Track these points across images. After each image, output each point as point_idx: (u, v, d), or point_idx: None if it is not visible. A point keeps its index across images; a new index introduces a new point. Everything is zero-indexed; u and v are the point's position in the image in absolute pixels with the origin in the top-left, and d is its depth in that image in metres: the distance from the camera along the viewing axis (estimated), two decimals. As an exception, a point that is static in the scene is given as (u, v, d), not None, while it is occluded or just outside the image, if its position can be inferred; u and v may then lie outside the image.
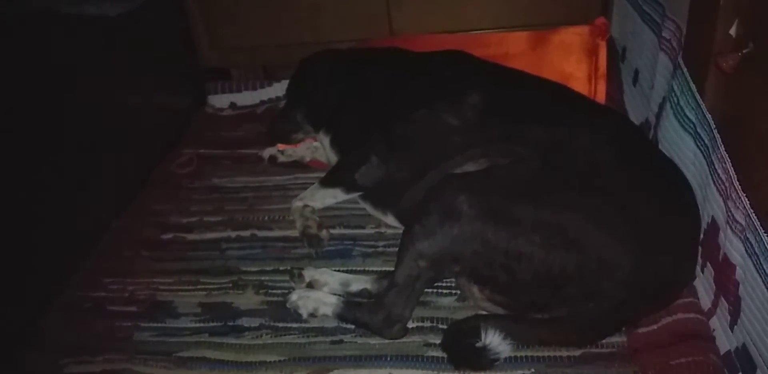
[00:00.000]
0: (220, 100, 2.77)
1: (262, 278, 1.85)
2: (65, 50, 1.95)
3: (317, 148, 2.31)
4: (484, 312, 1.62)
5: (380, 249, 1.92)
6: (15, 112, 1.72)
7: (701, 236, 1.56)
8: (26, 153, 1.77)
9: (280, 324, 1.70)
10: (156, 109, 2.54)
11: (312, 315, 1.69)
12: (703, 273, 1.57)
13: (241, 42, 2.76)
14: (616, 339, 1.56)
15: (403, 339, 1.61)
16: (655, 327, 1.54)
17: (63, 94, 1.92)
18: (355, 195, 2.02)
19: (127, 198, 2.22)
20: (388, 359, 1.57)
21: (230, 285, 1.84)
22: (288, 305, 1.71)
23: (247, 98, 2.76)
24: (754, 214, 1.28)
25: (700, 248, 1.56)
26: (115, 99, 2.23)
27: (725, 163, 1.40)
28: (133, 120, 2.32)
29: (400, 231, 1.67)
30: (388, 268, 1.76)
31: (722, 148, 1.42)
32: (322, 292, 1.73)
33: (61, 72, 1.92)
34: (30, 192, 1.77)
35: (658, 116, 1.90)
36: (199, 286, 1.84)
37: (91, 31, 2.08)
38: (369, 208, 2.01)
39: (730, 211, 1.38)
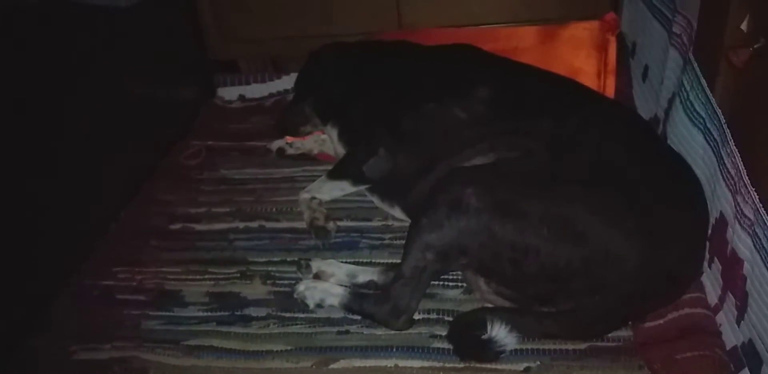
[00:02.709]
0: (229, 92, 2.77)
1: (270, 269, 1.86)
2: (75, 41, 1.96)
3: (325, 140, 2.32)
4: (490, 305, 1.63)
5: (387, 241, 1.93)
6: (23, 102, 1.73)
7: (709, 231, 1.56)
8: (35, 143, 1.77)
9: (287, 314, 1.71)
10: (165, 101, 2.55)
11: (319, 305, 1.70)
12: (710, 268, 1.57)
13: (250, 34, 2.76)
14: (622, 333, 1.57)
15: (409, 331, 1.61)
16: (661, 321, 1.54)
17: (72, 84, 1.93)
18: (362, 187, 2.03)
19: (136, 188, 2.23)
20: (394, 350, 1.58)
21: (238, 275, 1.85)
22: (295, 295, 1.72)
23: (255, 90, 2.77)
24: (763, 209, 1.28)
25: (707, 243, 1.56)
26: (125, 90, 2.24)
27: (734, 158, 1.40)
28: (142, 111, 2.32)
29: (407, 224, 1.68)
30: (394, 260, 1.76)
31: (732, 143, 1.42)
32: (329, 283, 1.74)
33: (70, 62, 1.93)
34: (39, 182, 1.78)
35: (668, 112, 1.90)
36: (206, 276, 1.85)
37: (101, 21, 2.09)
38: (376, 201, 2.02)
39: (739, 206, 1.38)
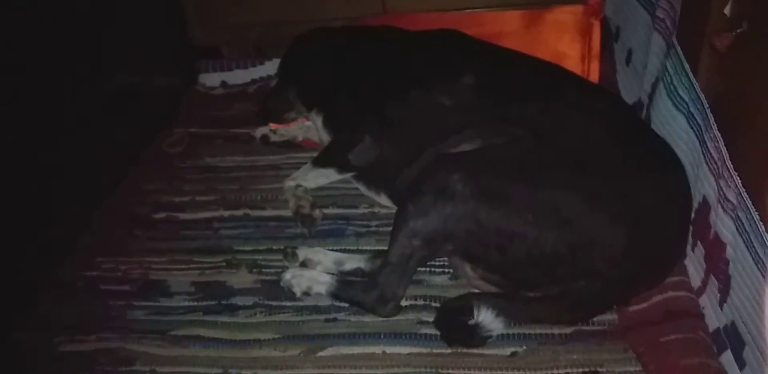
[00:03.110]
0: (211, 79, 2.73)
1: (256, 257, 1.86)
2: (54, 27, 1.91)
3: (310, 127, 2.30)
4: (476, 291, 1.63)
5: (373, 228, 1.92)
6: (2, 91, 1.70)
7: (692, 215, 1.57)
8: (16, 133, 1.74)
9: (274, 303, 1.70)
10: (146, 88, 2.51)
11: (306, 293, 1.70)
12: (693, 251, 1.59)
13: (232, 20, 2.71)
14: (607, 316, 1.58)
15: (397, 317, 1.62)
16: (645, 305, 1.56)
17: (51, 71, 1.89)
18: (348, 175, 2.02)
19: (119, 177, 2.20)
20: (382, 337, 1.58)
21: (224, 264, 1.84)
22: (282, 284, 1.72)
23: (238, 77, 2.73)
24: (745, 193, 1.29)
25: (691, 227, 1.58)
26: (105, 77, 2.20)
27: (717, 143, 1.41)
28: (123, 98, 2.29)
29: (393, 211, 1.68)
30: (381, 247, 1.76)
31: (715, 128, 1.43)
32: (315, 271, 1.74)
33: (49, 49, 1.89)
34: (21, 172, 1.75)
35: (651, 96, 1.91)
36: (192, 265, 1.84)
37: (81, 7, 2.05)
38: (362, 188, 2.01)
39: (722, 190, 1.39)
